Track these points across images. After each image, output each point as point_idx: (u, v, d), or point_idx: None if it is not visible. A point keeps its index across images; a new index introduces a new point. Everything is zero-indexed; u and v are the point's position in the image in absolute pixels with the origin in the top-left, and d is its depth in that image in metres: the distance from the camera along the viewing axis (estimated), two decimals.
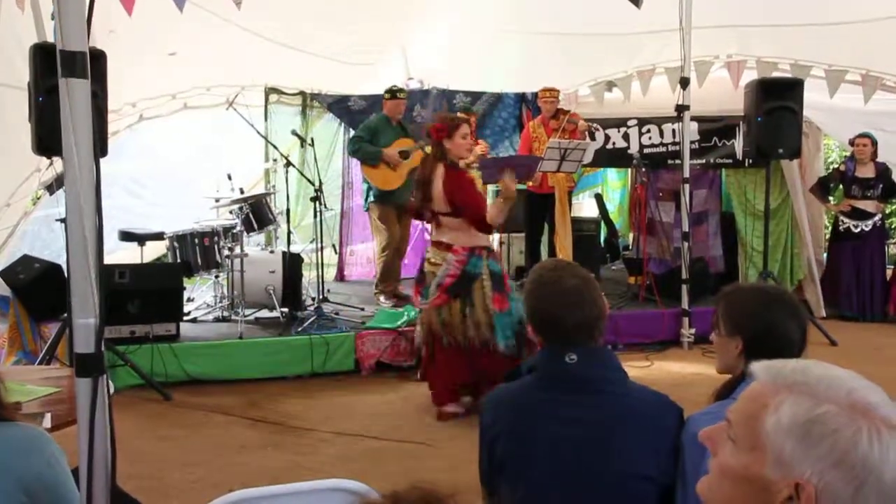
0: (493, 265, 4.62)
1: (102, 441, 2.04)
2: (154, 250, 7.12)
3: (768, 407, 1.02)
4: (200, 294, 6.99)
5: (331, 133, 7.95)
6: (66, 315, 4.78)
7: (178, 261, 6.15)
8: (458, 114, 6.89)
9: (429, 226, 7.92)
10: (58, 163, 4.52)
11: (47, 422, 2.39)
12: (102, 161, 4.42)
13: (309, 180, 6.61)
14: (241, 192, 6.60)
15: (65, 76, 1.97)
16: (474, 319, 4.49)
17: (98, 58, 4.24)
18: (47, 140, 4.16)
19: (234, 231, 6.19)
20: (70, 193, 2.02)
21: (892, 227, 9.84)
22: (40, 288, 5.51)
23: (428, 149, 6.74)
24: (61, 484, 1.78)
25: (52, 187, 5.85)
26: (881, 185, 7.38)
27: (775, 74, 6.98)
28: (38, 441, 1.78)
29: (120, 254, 6.93)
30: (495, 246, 8.03)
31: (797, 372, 1.03)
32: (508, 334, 4.44)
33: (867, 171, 7.37)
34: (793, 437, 0.99)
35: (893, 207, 10.27)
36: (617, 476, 1.83)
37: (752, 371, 1.08)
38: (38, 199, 6.49)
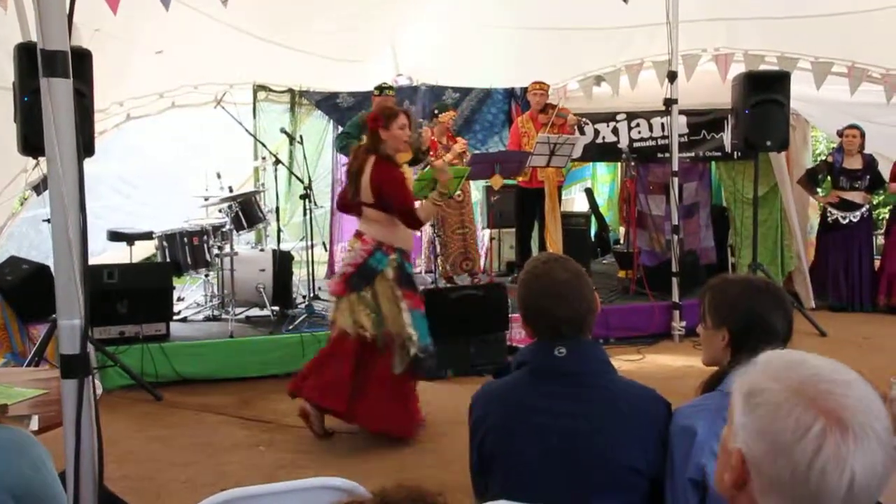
0: (406, 266, 4.36)
1: (89, 443, 2.03)
2: (143, 250, 7.08)
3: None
4: (190, 293, 6.97)
5: (319, 130, 7.94)
6: (54, 316, 4.75)
7: (168, 260, 6.12)
8: (436, 112, 6.91)
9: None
10: (44, 163, 4.48)
11: (35, 424, 2.37)
12: (90, 161, 4.41)
13: (298, 178, 6.59)
14: (231, 190, 6.58)
15: (46, 76, 1.96)
16: (383, 313, 4.25)
17: (83, 57, 4.22)
18: (33, 140, 4.13)
19: (224, 230, 6.18)
20: (54, 193, 2.00)
21: (880, 217, 9.89)
22: (28, 289, 5.48)
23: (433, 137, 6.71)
24: (47, 487, 1.77)
25: (38, 188, 5.82)
26: (868, 177, 7.43)
27: (762, 67, 7.00)
28: (22, 444, 1.76)
29: (109, 254, 6.91)
30: (486, 241, 8.07)
31: (776, 356, 1.09)
32: (425, 337, 4.27)
33: (855, 163, 7.42)
34: (739, 405, 1.05)
35: (881, 198, 10.33)
36: (606, 468, 1.83)
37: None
38: (26, 199, 6.45)
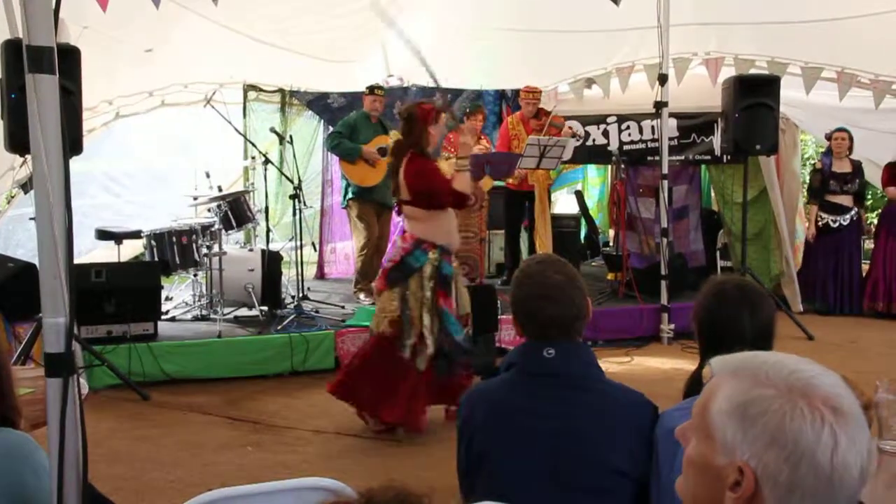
0: (445, 266, 4.27)
1: (74, 442, 2.01)
2: (131, 249, 7.05)
3: (715, 394, 1.03)
4: (179, 293, 6.93)
5: (310, 130, 7.93)
6: (40, 315, 4.72)
7: (156, 259, 6.09)
8: (468, 111, 6.93)
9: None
10: (31, 160, 4.45)
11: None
12: (79, 159, 4.37)
13: (288, 178, 6.57)
14: (220, 189, 6.55)
15: (32, 72, 1.93)
16: (415, 314, 4.20)
17: (71, 53, 4.18)
18: (20, 138, 4.09)
19: (213, 229, 6.15)
20: (39, 191, 1.99)
21: (868, 222, 9.96)
22: (14, 288, 5.43)
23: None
24: (46, 495, 1.74)
25: (26, 186, 5.78)
26: (857, 180, 7.49)
27: (752, 71, 7.04)
28: (25, 448, 1.73)
29: (97, 252, 6.87)
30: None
31: (742, 359, 1.05)
32: (459, 332, 4.27)
33: (844, 166, 7.48)
34: (732, 420, 0.99)
35: (869, 202, 10.40)
36: (592, 470, 1.83)
37: (711, 366, 1.09)
38: (13, 197, 6.41)
